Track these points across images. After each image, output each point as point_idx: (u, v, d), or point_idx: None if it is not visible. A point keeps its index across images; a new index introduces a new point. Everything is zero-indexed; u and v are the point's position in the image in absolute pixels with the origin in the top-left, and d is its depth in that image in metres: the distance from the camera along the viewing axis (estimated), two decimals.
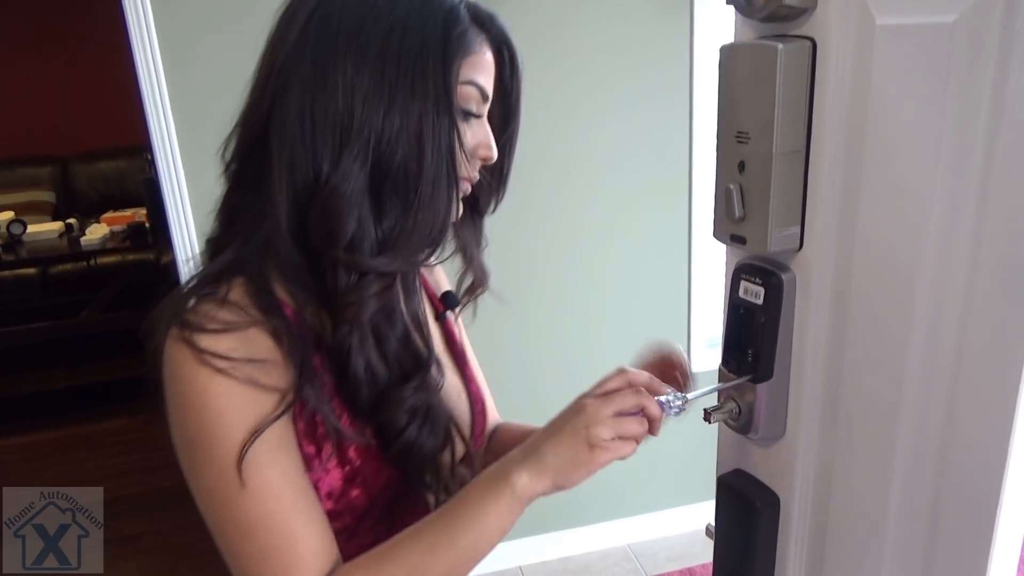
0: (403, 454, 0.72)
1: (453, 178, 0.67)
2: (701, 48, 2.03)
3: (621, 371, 0.69)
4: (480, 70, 0.69)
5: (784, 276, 0.64)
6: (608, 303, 2.18)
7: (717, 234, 0.67)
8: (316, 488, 0.69)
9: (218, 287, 0.66)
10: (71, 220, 4.25)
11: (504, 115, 0.78)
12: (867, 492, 0.62)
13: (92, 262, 4.05)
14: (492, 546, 0.66)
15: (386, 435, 0.72)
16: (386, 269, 0.67)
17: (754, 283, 0.66)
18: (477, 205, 0.82)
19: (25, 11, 4.58)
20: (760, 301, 0.65)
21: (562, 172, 2.04)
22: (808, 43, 0.58)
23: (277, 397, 0.64)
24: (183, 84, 1.78)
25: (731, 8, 0.62)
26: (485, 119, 0.72)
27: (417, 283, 0.76)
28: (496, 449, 0.91)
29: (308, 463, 0.68)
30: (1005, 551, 0.53)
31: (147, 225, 4.08)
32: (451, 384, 0.82)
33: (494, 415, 0.95)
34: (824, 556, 0.68)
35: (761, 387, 0.67)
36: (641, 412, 0.66)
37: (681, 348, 0.81)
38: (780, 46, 0.57)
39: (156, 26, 1.73)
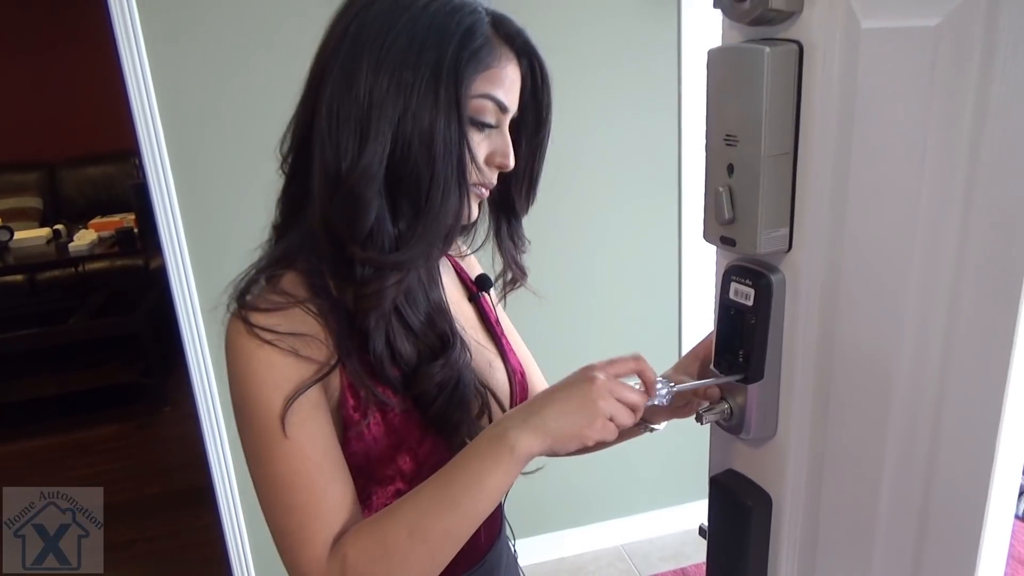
0: (439, 422, 0.78)
1: (464, 185, 0.72)
2: (689, 50, 2.04)
3: (637, 357, 0.72)
4: (497, 84, 0.73)
5: (773, 277, 0.64)
6: (599, 305, 2.18)
7: (707, 236, 0.68)
8: (367, 456, 0.76)
9: (275, 272, 0.74)
10: (59, 226, 4.23)
11: (536, 122, 0.82)
12: (857, 491, 0.62)
13: (80, 268, 4.03)
14: (493, 505, 0.69)
15: (422, 405, 0.77)
16: (400, 264, 0.72)
17: (744, 284, 0.66)
18: (514, 208, 0.87)
19: (11, 16, 4.56)
20: (750, 302, 0.66)
21: (551, 175, 2.04)
22: (795, 46, 0.58)
23: (315, 367, 0.70)
24: (171, 88, 1.78)
25: (718, 11, 0.63)
26: (505, 129, 0.76)
27: (437, 273, 0.81)
28: None
29: (354, 426, 0.75)
30: (993, 549, 0.54)
31: (135, 230, 4.06)
32: (484, 358, 0.87)
33: (542, 383, 1.01)
34: (816, 555, 0.69)
35: (752, 388, 0.68)
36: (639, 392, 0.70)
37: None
38: (767, 49, 0.58)
39: (143, 30, 1.72)
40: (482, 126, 0.74)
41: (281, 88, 2.04)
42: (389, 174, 0.70)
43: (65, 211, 4.64)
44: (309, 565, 0.68)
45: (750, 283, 0.66)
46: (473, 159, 0.73)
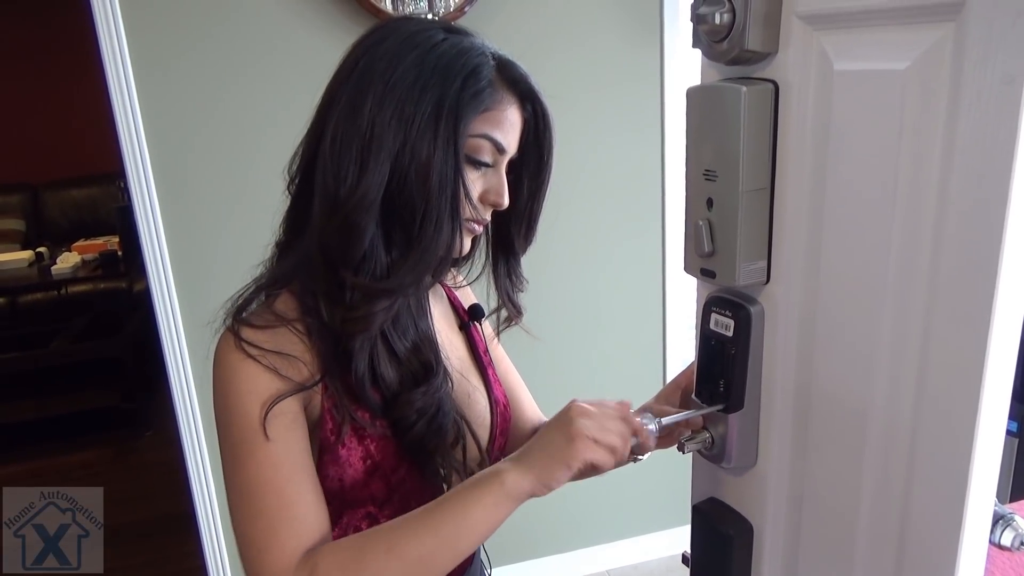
0: (414, 448, 0.79)
1: (456, 219, 0.74)
2: (671, 86, 2.07)
3: (624, 403, 0.73)
4: (496, 125, 0.75)
5: (752, 309, 0.66)
6: (584, 334, 2.19)
7: (688, 268, 0.69)
8: (341, 480, 0.77)
9: (273, 290, 0.77)
10: (41, 249, 4.19)
11: (537, 165, 0.84)
12: (836, 520, 0.63)
13: (63, 291, 3.99)
14: (476, 538, 0.69)
15: (399, 431, 0.78)
16: (389, 291, 0.73)
17: (724, 316, 0.67)
18: (513, 247, 0.88)
19: None
20: (730, 333, 0.67)
21: None
22: (771, 86, 0.60)
23: (295, 386, 0.72)
24: (157, 111, 1.78)
25: (697, 51, 0.65)
26: (502, 169, 0.79)
27: (426, 303, 0.82)
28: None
29: (330, 450, 0.76)
30: (969, 572, 0.55)
31: (119, 253, 4.03)
32: (464, 388, 0.88)
33: (536, 414, 1.02)
34: None
35: (733, 417, 0.69)
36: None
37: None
38: (744, 88, 0.59)
39: (130, 53, 1.73)
40: (479, 164, 0.76)
41: (266, 112, 2.06)
42: (385, 203, 0.73)
43: (48, 233, 4.60)
44: (273, 570, 0.68)
45: (730, 314, 0.67)
46: (467, 195, 0.75)
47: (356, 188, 0.71)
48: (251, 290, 0.77)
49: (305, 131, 0.78)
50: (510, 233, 0.87)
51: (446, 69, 0.72)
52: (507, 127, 0.77)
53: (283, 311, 0.75)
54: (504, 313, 0.91)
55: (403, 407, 0.77)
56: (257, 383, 0.71)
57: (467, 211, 0.76)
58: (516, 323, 0.92)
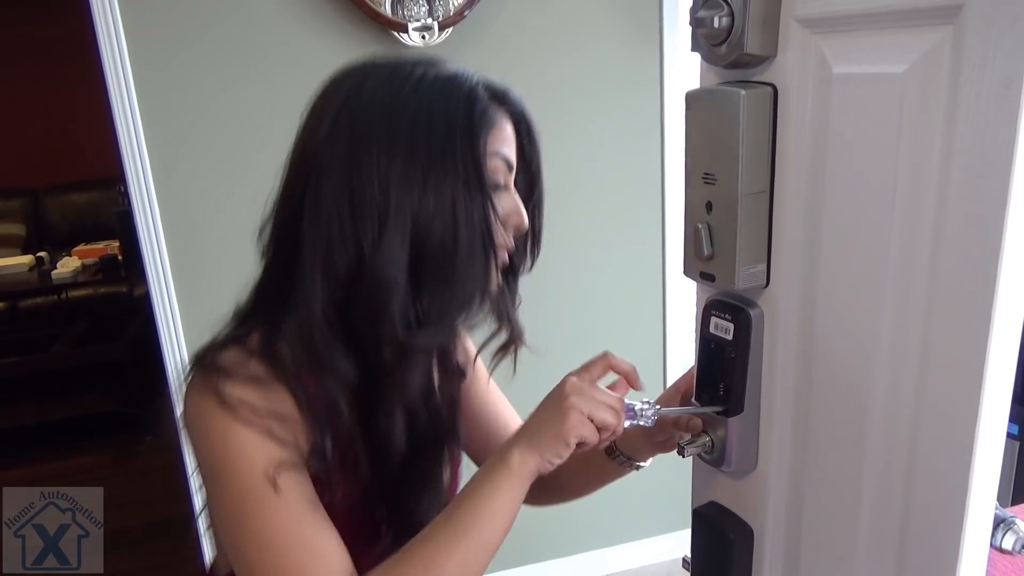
0: (392, 517, 0.77)
1: (491, 250, 0.71)
2: (671, 88, 2.08)
3: (604, 354, 0.74)
4: (504, 142, 0.74)
5: (752, 312, 0.66)
6: (583, 338, 2.19)
7: (687, 271, 0.69)
8: None
9: (246, 339, 0.71)
10: (42, 253, 4.19)
11: (528, 182, 0.82)
12: (837, 524, 0.63)
13: (63, 295, 3.99)
14: (505, 529, 0.69)
15: (371, 494, 0.76)
16: (428, 344, 0.71)
17: (723, 319, 0.67)
18: (512, 266, 0.85)
19: None
20: (730, 336, 0.67)
21: None
22: (770, 89, 0.60)
23: (292, 449, 0.68)
24: (157, 115, 1.78)
25: (696, 55, 0.65)
26: (513, 188, 0.77)
27: (456, 361, 0.81)
28: None
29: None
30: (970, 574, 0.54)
31: (120, 258, 4.03)
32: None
33: None
34: None
35: (732, 421, 0.68)
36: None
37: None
38: (743, 92, 0.59)
39: (130, 57, 1.73)
40: (495, 187, 0.73)
41: (266, 116, 2.06)
42: (412, 253, 0.69)
43: (49, 238, 4.60)
44: None
45: (729, 318, 0.67)
46: (498, 219, 0.72)
47: (379, 246, 0.67)
48: (214, 345, 0.72)
49: (278, 192, 0.73)
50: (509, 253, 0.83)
51: (444, 100, 0.70)
52: (509, 142, 0.75)
53: (272, 365, 0.70)
54: (498, 342, 0.84)
55: (395, 473, 0.75)
56: (252, 446, 0.67)
57: (499, 236, 0.72)
58: (518, 347, 0.84)
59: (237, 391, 0.67)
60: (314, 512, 0.69)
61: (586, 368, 0.73)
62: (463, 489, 0.71)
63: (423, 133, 0.68)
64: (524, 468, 0.68)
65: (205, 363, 0.69)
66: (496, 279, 0.74)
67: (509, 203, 0.75)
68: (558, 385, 0.71)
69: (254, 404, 0.67)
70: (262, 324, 0.73)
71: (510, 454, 0.69)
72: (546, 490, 0.86)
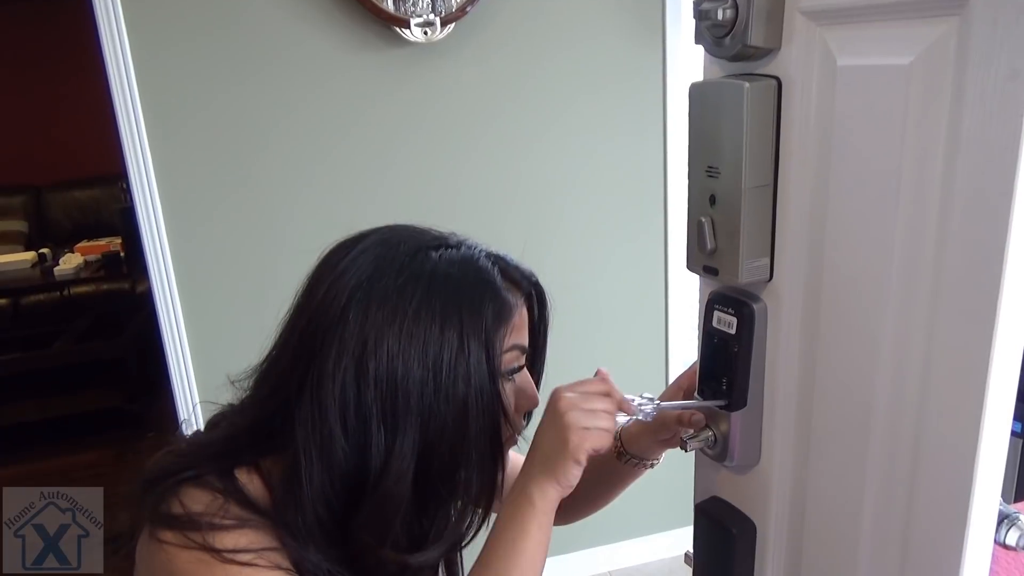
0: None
1: (498, 452, 0.71)
2: (674, 83, 2.07)
3: (599, 373, 0.72)
4: (518, 331, 0.73)
5: (755, 306, 0.65)
6: (586, 333, 2.19)
7: (690, 265, 0.69)
8: None
9: (206, 479, 0.66)
10: (44, 250, 4.19)
11: (533, 352, 0.79)
12: (840, 518, 0.63)
13: (66, 292, 3.99)
14: (542, 560, 0.68)
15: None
16: (430, 562, 0.70)
17: (727, 313, 0.67)
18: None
19: None
20: (733, 331, 0.67)
21: (540, 206, 2.07)
22: (774, 82, 0.60)
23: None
24: (159, 112, 1.78)
25: (700, 47, 0.65)
26: (524, 368, 0.75)
27: (460, 559, 0.79)
28: None
29: None
30: (974, 572, 0.54)
31: (122, 254, 4.04)
32: None
33: None
34: None
35: (735, 415, 0.68)
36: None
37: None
38: (747, 84, 0.59)
39: (132, 54, 1.73)
40: (510, 375, 0.73)
41: (268, 113, 2.06)
42: (419, 463, 0.66)
43: (51, 235, 4.60)
44: None
45: (732, 312, 0.66)
46: (507, 416, 0.71)
47: (389, 459, 0.64)
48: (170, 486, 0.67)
49: (271, 358, 0.70)
50: None
51: (457, 293, 0.67)
52: (525, 327, 0.74)
53: (242, 510, 0.66)
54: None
55: None
56: None
57: (506, 432, 0.72)
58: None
59: (232, 540, 0.63)
60: None
61: (579, 384, 0.71)
62: (492, 537, 0.69)
63: (436, 340, 0.65)
64: (546, 501, 0.67)
65: (175, 518, 0.64)
66: (502, 478, 0.72)
67: (522, 382, 0.75)
68: (550, 404, 0.69)
69: (253, 545, 0.64)
70: (235, 464, 0.69)
71: (530, 490, 0.67)
72: (572, 508, 0.86)
